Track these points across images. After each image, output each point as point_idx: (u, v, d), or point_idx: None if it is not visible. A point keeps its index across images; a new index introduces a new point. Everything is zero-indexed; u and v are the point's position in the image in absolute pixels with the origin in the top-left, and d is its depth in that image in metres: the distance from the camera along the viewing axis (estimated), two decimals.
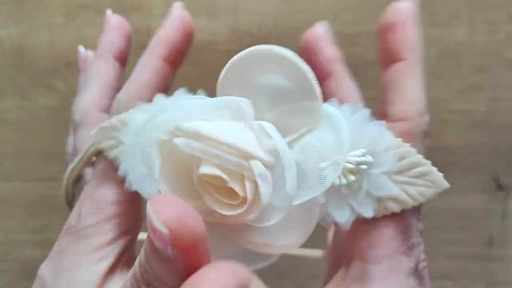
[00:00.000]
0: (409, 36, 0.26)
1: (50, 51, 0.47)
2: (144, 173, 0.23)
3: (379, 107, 0.27)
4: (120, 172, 0.25)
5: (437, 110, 0.45)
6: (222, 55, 0.46)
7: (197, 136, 0.21)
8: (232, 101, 0.22)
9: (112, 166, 0.27)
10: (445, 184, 0.23)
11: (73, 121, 0.31)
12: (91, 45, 0.45)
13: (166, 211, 0.17)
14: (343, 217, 0.22)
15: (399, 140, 0.23)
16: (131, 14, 0.45)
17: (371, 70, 0.44)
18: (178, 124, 0.21)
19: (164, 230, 0.17)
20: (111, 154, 0.26)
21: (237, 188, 0.21)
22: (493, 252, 0.48)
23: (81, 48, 0.38)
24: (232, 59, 0.23)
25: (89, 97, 0.30)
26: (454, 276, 0.48)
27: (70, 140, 0.34)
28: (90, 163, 0.29)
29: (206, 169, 0.21)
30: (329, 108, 0.23)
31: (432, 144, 0.44)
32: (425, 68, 0.44)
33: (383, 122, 0.23)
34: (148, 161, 0.23)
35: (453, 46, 0.45)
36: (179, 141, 0.21)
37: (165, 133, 0.22)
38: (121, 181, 0.26)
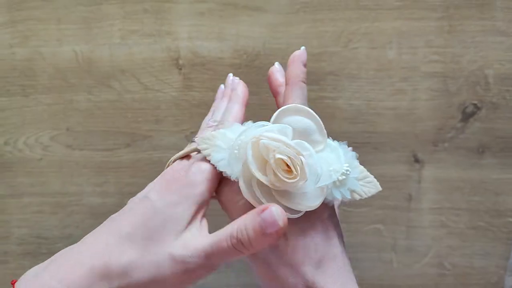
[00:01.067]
0: (292, 70, 0.35)
1: (109, 62, 0.55)
2: (233, 160, 0.31)
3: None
4: (213, 160, 0.32)
5: (374, 106, 0.55)
6: (227, 67, 0.55)
7: (275, 139, 0.29)
8: (284, 127, 0.31)
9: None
10: (380, 187, 0.33)
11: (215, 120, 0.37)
12: (139, 58, 0.55)
13: (280, 212, 0.27)
14: (338, 195, 0.31)
15: (361, 166, 0.33)
16: (164, 37, 0.55)
17: (329, 78, 0.55)
18: (262, 133, 0.29)
19: (281, 223, 0.27)
20: (205, 152, 0.33)
21: (293, 168, 0.29)
22: (411, 205, 0.56)
23: (222, 86, 0.43)
24: (279, 109, 0.32)
25: (229, 115, 0.36)
26: (384, 222, 0.56)
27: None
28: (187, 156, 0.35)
29: (279, 155, 0.29)
30: (330, 140, 0.32)
31: (371, 129, 0.56)
32: (366, 77, 0.55)
33: (355, 153, 0.32)
34: (240, 154, 0.31)
35: (386, 63, 0.54)
36: (263, 141, 0.29)
37: (252, 139, 0.30)
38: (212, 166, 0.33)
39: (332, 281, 0.30)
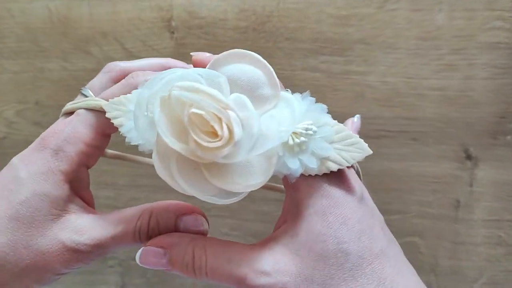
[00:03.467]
0: None
1: (89, 22, 0.51)
2: (145, 126, 0.27)
3: None
4: (123, 130, 0.28)
5: (415, 85, 0.48)
6: (231, 31, 0.49)
7: (192, 89, 0.25)
8: (214, 75, 0.26)
9: (98, 121, 0.30)
10: (369, 151, 0.27)
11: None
12: (124, 18, 0.50)
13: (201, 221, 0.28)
14: (295, 166, 0.26)
15: (335, 121, 0.28)
16: None
17: (358, 47, 0.48)
18: (175, 83, 0.25)
19: (203, 230, 0.28)
20: (117, 121, 0.29)
21: (216, 127, 0.24)
22: (459, 215, 0.49)
23: None
24: (215, 57, 0.28)
25: (127, 65, 0.33)
26: (423, 234, 0.50)
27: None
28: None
29: (195, 110, 0.24)
30: (285, 94, 0.28)
31: (409, 115, 0.49)
32: (405, 48, 0.47)
33: (325, 106, 0.28)
34: (151, 116, 0.26)
35: (433, 29, 0.47)
36: (175, 92, 0.24)
37: (161, 92, 0.26)
38: (97, 131, 0.30)
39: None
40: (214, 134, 0.25)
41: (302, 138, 0.27)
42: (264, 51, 0.49)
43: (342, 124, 0.28)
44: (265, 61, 0.28)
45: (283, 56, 0.49)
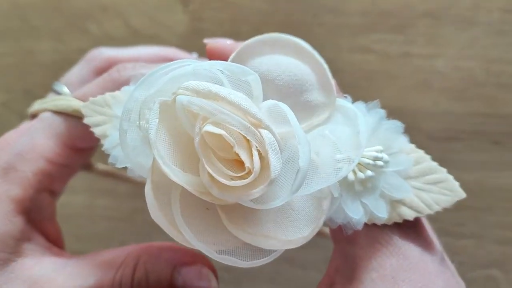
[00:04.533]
0: None
1: None
2: (139, 143, 0.22)
3: None
4: (106, 145, 0.23)
5: (497, 72, 0.41)
6: (259, 1, 0.44)
7: (205, 93, 0.19)
8: (241, 71, 0.20)
9: (64, 129, 0.25)
10: (462, 193, 0.22)
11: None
12: None
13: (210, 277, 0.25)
14: (356, 213, 0.21)
15: (413, 145, 0.23)
16: None
17: (423, 24, 0.42)
18: (183, 84, 0.19)
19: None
20: (99, 130, 0.24)
21: (243, 155, 0.19)
22: None
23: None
24: (244, 43, 0.22)
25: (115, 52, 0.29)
26: (503, 265, 0.43)
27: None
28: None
29: (211, 128, 0.18)
30: (343, 102, 0.22)
31: (489, 111, 0.43)
32: (487, 23, 0.42)
33: (400, 123, 0.22)
34: (145, 128, 0.21)
35: None
36: (181, 98, 0.19)
37: (159, 95, 0.20)
38: (66, 144, 0.25)
39: None
40: (239, 165, 0.19)
41: (369, 172, 0.21)
42: (300, 28, 0.44)
43: (421, 151, 0.23)
44: (314, 52, 0.23)
45: (325, 34, 0.44)
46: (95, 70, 0.28)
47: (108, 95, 0.24)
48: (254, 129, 0.19)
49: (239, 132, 0.19)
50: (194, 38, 0.47)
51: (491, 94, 0.42)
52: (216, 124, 0.19)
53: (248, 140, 0.19)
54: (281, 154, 0.20)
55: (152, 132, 0.19)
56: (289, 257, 0.46)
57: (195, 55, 0.31)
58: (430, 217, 0.24)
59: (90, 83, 0.26)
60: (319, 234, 0.29)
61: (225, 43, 0.25)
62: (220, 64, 0.20)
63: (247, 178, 0.19)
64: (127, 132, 0.20)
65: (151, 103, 0.20)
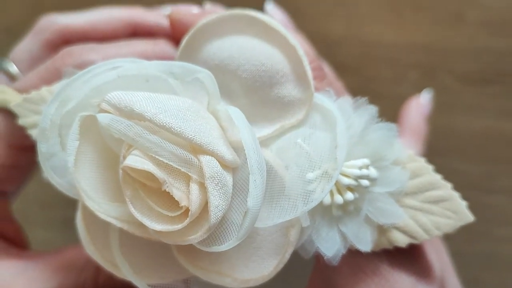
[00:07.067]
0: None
1: None
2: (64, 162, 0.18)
3: None
4: (44, 148, 0.19)
5: None
6: None
7: (128, 113, 0.15)
8: (190, 71, 0.17)
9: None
10: (469, 216, 0.19)
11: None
12: None
13: None
14: (331, 249, 0.18)
15: (411, 152, 0.19)
16: None
17: None
18: (107, 95, 0.16)
19: None
20: (36, 133, 0.21)
21: (176, 193, 0.16)
22: None
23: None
24: (201, 22, 0.19)
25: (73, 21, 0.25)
26: None
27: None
28: None
29: (133, 160, 0.15)
30: (323, 100, 0.18)
31: None
32: None
33: (394, 125, 0.18)
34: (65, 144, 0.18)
35: None
36: (102, 118, 0.16)
37: (80, 109, 0.17)
38: (10, 144, 0.23)
39: None
40: (175, 201, 0.16)
41: (349, 196, 0.17)
42: None
43: (422, 160, 0.19)
44: (288, 35, 0.18)
45: None
46: (46, 43, 0.24)
47: (44, 90, 0.21)
48: (191, 157, 0.16)
49: (165, 163, 0.16)
50: None
51: None
52: (142, 154, 0.16)
53: (185, 175, 0.16)
54: (236, 174, 0.16)
55: (70, 160, 0.16)
56: None
57: (165, 10, 0.26)
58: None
59: (32, 73, 0.23)
60: None
61: (189, 12, 0.21)
62: (155, 66, 0.17)
63: (182, 221, 0.16)
64: (45, 154, 0.18)
65: (70, 119, 0.17)
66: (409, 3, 0.37)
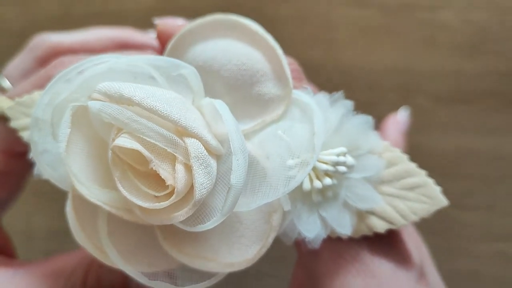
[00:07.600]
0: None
1: None
2: (55, 153, 0.19)
3: None
4: (34, 154, 0.20)
5: None
6: None
7: (117, 98, 0.16)
8: (175, 65, 0.18)
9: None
10: (443, 201, 0.20)
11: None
12: None
13: None
14: (312, 231, 0.19)
15: (387, 143, 0.20)
16: None
17: None
18: (98, 86, 0.17)
19: None
20: (27, 135, 0.22)
21: (162, 172, 0.17)
22: None
23: None
24: (185, 28, 0.20)
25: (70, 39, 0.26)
26: None
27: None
28: None
29: (123, 141, 0.16)
30: (301, 95, 0.20)
31: (503, 69, 0.38)
32: None
33: (370, 118, 0.20)
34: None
35: None
36: (93, 104, 0.17)
37: (71, 99, 0.18)
38: (1, 150, 0.24)
39: None
40: (163, 180, 0.17)
41: (327, 180, 0.19)
42: None
43: (397, 150, 0.20)
44: (268, 36, 0.20)
45: None
46: (38, 60, 0.26)
47: (36, 94, 0.22)
48: (177, 138, 0.16)
49: (159, 146, 0.17)
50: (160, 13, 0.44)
51: (507, 49, 0.38)
52: (131, 135, 0.17)
53: (171, 155, 0.17)
54: (219, 164, 0.17)
55: (62, 146, 0.17)
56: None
57: (152, 34, 0.28)
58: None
59: (25, 81, 0.24)
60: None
61: (175, 24, 0.23)
62: (143, 60, 0.18)
63: (168, 199, 0.17)
64: (38, 144, 0.18)
65: (63, 108, 0.18)
66: (384, 29, 0.39)
